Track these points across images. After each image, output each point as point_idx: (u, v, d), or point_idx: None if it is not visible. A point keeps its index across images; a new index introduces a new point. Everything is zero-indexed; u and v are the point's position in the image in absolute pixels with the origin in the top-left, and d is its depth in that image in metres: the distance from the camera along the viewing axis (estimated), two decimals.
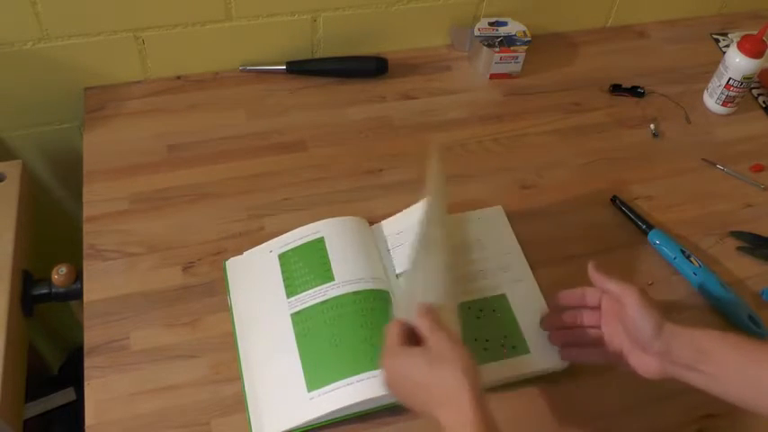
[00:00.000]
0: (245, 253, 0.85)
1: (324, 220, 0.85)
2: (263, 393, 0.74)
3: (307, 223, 0.87)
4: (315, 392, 0.72)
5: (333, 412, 0.71)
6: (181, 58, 1.03)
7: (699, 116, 1.09)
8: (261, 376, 0.75)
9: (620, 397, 0.77)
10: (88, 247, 0.85)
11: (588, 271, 0.74)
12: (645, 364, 0.70)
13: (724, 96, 1.07)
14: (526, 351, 0.78)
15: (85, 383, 0.75)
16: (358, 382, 0.72)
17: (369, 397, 0.71)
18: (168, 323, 0.80)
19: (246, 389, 0.75)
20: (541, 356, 0.77)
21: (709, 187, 0.99)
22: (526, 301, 0.82)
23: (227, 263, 0.84)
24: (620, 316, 0.71)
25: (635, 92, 1.10)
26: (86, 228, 0.87)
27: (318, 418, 0.72)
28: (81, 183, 0.91)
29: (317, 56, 1.09)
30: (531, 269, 0.85)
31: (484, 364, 0.76)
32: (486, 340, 0.78)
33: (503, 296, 0.82)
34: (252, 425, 0.72)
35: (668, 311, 0.84)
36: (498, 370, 0.76)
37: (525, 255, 0.86)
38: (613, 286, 0.72)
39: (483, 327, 0.79)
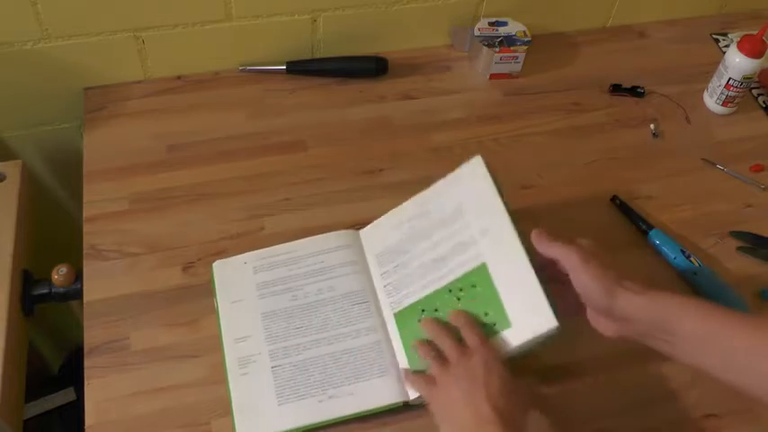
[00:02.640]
0: (216, 263, 0.84)
1: (304, 240, 0.85)
2: (246, 399, 0.74)
3: (307, 223, 0.87)
4: (286, 405, 0.74)
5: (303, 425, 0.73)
6: (181, 58, 1.03)
7: (699, 116, 1.09)
8: (243, 381, 0.76)
9: (620, 397, 0.77)
10: (88, 247, 0.85)
11: (531, 238, 0.71)
12: (602, 324, 0.69)
13: (724, 96, 1.07)
14: (507, 325, 0.71)
15: (85, 383, 0.75)
16: (330, 398, 0.74)
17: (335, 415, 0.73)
18: (168, 323, 0.80)
19: (232, 393, 0.75)
20: (524, 326, 0.70)
21: (709, 187, 0.99)
22: (507, 264, 0.73)
23: (214, 265, 0.84)
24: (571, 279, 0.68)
25: (635, 92, 1.10)
26: (86, 228, 0.87)
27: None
28: (81, 183, 0.91)
29: (317, 56, 1.09)
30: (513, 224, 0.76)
31: None
32: None
33: (483, 266, 0.74)
34: (237, 429, 0.73)
35: None
36: None
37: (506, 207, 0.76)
38: (556, 252, 0.68)
39: (464, 309, 0.74)
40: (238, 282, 0.82)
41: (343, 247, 0.84)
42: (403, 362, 0.76)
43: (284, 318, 0.79)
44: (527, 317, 0.70)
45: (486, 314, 0.72)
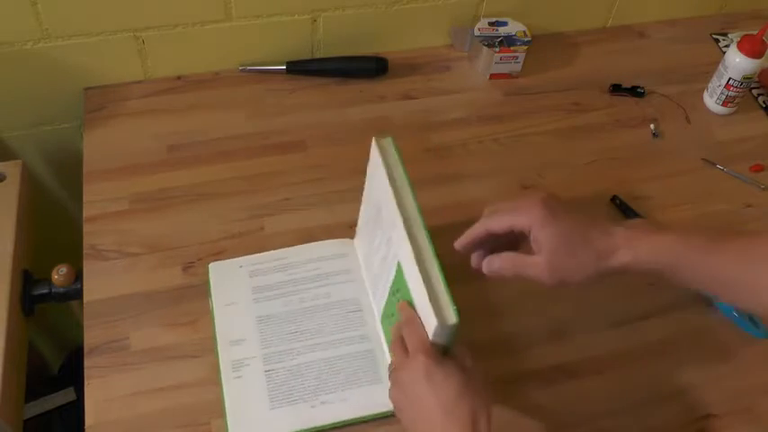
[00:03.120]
0: (212, 265, 0.84)
1: (301, 246, 0.85)
2: (238, 402, 0.74)
3: (307, 223, 0.87)
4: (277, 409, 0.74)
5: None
6: (181, 58, 1.03)
7: (699, 116, 1.09)
8: (236, 384, 0.75)
9: (620, 397, 0.77)
10: (88, 247, 0.85)
11: (484, 216, 0.69)
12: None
13: (724, 96, 1.07)
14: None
15: (85, 383, 0.75)
16: (321, 404, 0.74)
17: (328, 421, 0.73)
18: (168, 323, 0.80)
19: (225, 395, 0.75)
20: (426, 324, 0.63)
21: (709, 187, 0.99)
22: (407, 261, 0.66)
23: (210, 266, 0.84)
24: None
25: (635, 92, 1.10)
26: (86, 228, 0.87)
27: None
28: (81, 183, 0.91)
29: (317, 56, 1.09)
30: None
31: None
32: None
33: (399, 265, 0.68)
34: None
35: (668, 311, 0.85)
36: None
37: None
38: (518, 221, 0.67)
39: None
40: (233, 285, 0.82)
41: (339, 255, 0.85)
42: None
43: (279, 322, 0.79)
44: (427, 316, 0.63)
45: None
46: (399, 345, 0.65)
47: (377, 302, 0.79)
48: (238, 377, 0.76)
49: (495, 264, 0.70)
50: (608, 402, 0.77)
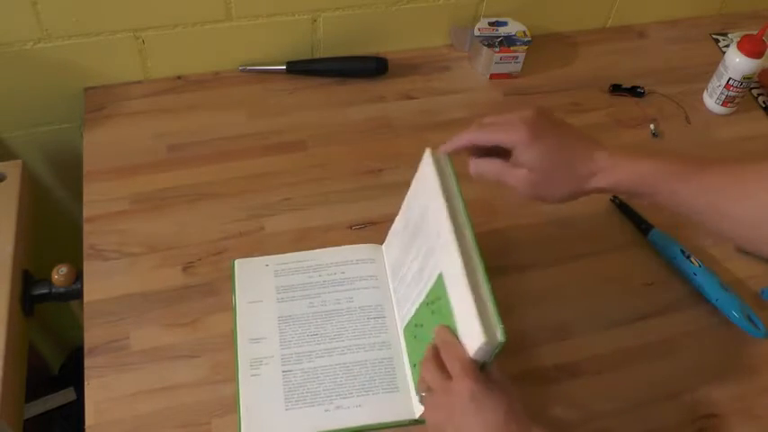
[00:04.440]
0: (238, 261, 0.84)
1: (328, 249, 0.85)
2: (253, 400, 0.74)
3: (307, 223, 0.87)
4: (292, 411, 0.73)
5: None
6: (181, 58, 1.03)
7: (699, 116, 1.09)
8: (253, 382, 0.75)
9: (619, 397, 0.77)
10: (88, 247, 0.85)
11: (474, 126, 0.70)
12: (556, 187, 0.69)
13: (724, 96, 1.07)
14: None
15: (85, 383, 0.75)
16: (336, 409, 0.73)
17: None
18: (168, 323, 0.80)
19: (240, 392, 0.75)
20: (469, 340, 0.62)
21: None
22: (453, 274, 0.64)
23: (235, 262, 0.84)
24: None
25: (635, 92, 1.10)
26: (86, 228, 0.87)
27: None
28: (81, 183, 0.91)
29: (317, 56, 1.09)
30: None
31: None
32: None
33: (440, 277, 0.67)
34: (241, 430, 0.72)
35: (668, 311, 0.85)
36: None
37: (471, 217, 0.68)
38: (503, 138, 0.68)
39: (436, 320, 0.68)
40: (258, 282, 0.82)
41: (366, 260, 0.84)
42: (410, 378, 0.75)
43: (300, 323, 0.79)
44: (471, 331, 0.61)
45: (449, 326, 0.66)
46: (436, 366, 0.63)
47: (401, 310, 0.78)
48: (256, 375, 0.75)
49: (481, 166, 0.71)
50: (608, 402, 0.77)
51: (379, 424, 0.73)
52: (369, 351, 0.77)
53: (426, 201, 0.72)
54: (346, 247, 0.85)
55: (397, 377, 0.75)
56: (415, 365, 0.73)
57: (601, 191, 0.69)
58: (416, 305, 0.73)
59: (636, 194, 0.68)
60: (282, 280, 0.82)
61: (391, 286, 0.82)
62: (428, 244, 0.71)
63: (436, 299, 0.68)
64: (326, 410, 0.73)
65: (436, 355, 0.64)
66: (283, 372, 0.76)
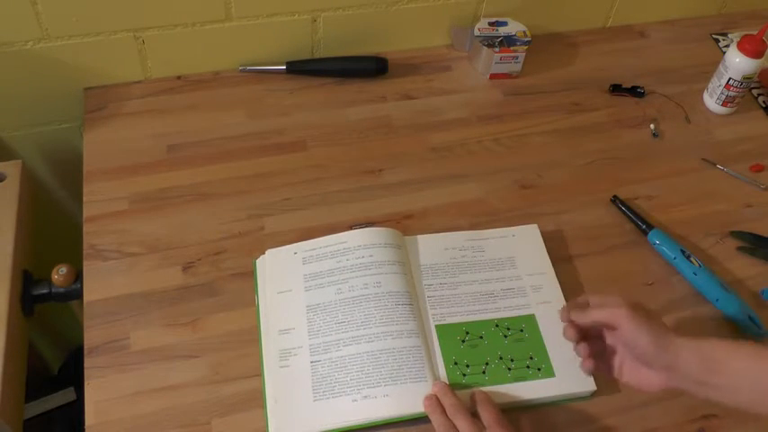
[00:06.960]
0: (269, 252, 0.84)
1: (355, 231, 0.85)
2: (281, 392, 0.74)
3: (307, 223, 0.87)
4: (320, 401, 0.73)
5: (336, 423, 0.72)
6: (181, 58, 1.03)
7: (699, 116, 1.09)
8: (281, 374, 0.75)
9: (619, 397, 0.77)
10: (88, 247, 0.85)
11: (562, 318, 0.73)
12: (645, 378, 0.69)
13: (724, 96, 1.07)
14: (551, 374, 0.76)
15: (85, 383, 0.75)
16: (363, 399, 0.73)
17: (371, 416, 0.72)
18: (168, 323, 0.80)
19: (267, 384, 0.75)
20: (566, 380, 0.76)
21: (709, 187, 0.99)
22: (555, 324, 0.77)
23: (267, 252, 0.84)
24: (618, 336, 0.70)
25: (635, 92, 1.10)
26: (86, 228, 0.87)
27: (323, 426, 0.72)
28: (81, 183, 0.91)
29: (317, 56, 1.09)
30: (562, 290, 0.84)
31: (507, 384, 0.75)
32: (512, 360, 0.77)
33: (531, 317, 0.81)
34: (270, 424, 0.72)
35: (668, 311, 0.85)
36: (522, 391, 0.75)
37: (557, 276, 0.85)
38: (600, 316, 0.70)
39: (509, 346, 0.78)
40: (287, 272, 0.82)
41: (393, 245, 0.83)
42: (442, 374, 0.75)
43: (328, 312, 0.78)
44: (570, 375, 0.76)
45: (532, 358, 0.78)
46: (473, 423, 0.68)
47: (435, 308, 0.80)
48: (285, 366, 0.75)
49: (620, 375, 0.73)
50: (608, 402, 0.77)
51: (407, 416, 0.72)
52: (396, 338, 0.76)
53: (519, 254, 0.87)
54: (373, 228, 0.85)
55: (425, 367, 0.75)
56: (449, 363, 0.77)
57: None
58: (474, 317, 0.80)
59: (710, 365, 0.66)
60: (311, 267, 0.82)
61: (421, 280, 0.82)
62: (511, 284, 0.84)
63: (518, 329, 0.80)
64: (354, 400, 0.72)
65: (463, 407, 0.70)
66: (311, 362, 0.75)
